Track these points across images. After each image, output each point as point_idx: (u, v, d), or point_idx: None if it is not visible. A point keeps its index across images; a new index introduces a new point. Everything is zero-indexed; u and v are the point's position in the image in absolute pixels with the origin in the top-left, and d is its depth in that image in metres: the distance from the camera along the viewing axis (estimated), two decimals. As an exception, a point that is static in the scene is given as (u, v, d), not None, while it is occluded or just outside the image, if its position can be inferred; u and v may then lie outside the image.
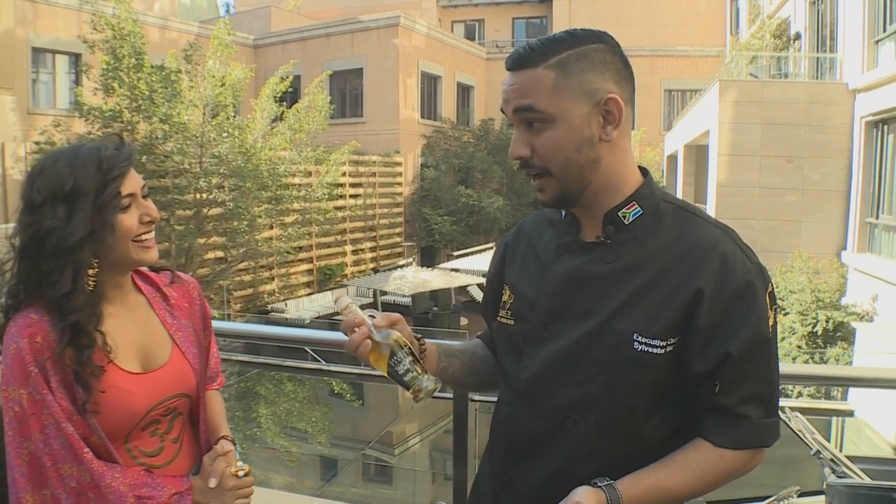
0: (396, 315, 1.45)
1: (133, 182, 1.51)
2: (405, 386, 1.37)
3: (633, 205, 1.37)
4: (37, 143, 17.20)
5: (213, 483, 1.54)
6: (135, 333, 1.56)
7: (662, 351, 1.28)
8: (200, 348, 1.71)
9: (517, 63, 1.34)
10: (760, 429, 1.30)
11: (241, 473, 1.57)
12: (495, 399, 1.56)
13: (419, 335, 1.52)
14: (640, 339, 1.29)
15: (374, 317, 1.41)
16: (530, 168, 1.37)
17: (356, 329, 1.38)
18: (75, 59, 20.28)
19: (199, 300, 1.76)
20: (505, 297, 1.52)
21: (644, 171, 1.42)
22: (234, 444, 1.68)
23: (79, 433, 1.39)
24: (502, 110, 1.39)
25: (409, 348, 1.39)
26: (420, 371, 1.38)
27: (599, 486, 1.25)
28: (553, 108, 1.31)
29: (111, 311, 1.52)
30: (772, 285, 1.34)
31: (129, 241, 1.48)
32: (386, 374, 1.38)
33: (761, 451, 1.33)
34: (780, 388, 1.36)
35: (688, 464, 1.29)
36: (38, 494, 1.37)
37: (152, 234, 1.54)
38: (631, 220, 1.36)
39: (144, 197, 1.53)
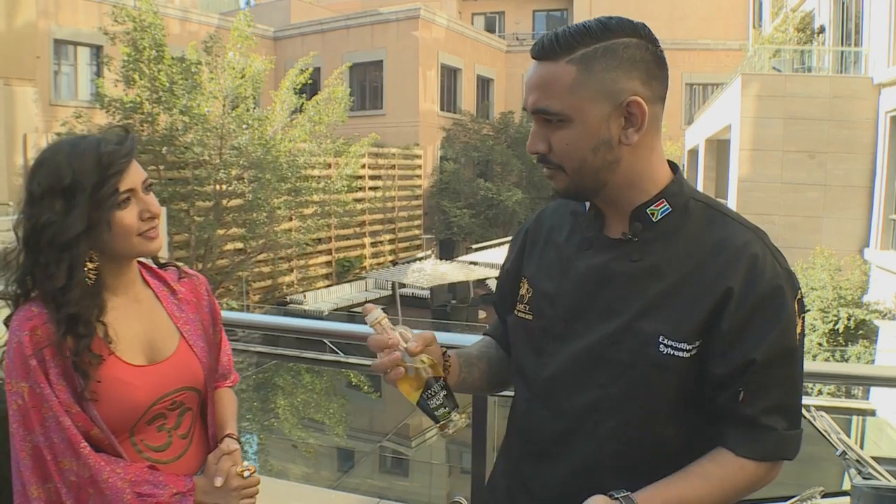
0: (430, 335, 1.34)
1: (133, 177, 1.48)
2: (434, 419, 1.28)
3: (662, 202, 1.32)
4: (58, 134, 17.26)
5: (218, 482, 1.51)
6: (140, 325, 1.55)
7: (688, 355, 1.24)
8: (209, 343, 1.69)
9: (540, 53, 1.27)
10: (784, 440, 1.25)
11: (246, 473, 1.55)
12: (513, 394, 1.52)
13: (445, 349, 1.42)
14: (665, 341, 1.24)
15: (404, 333, 1.31)
16: (547, 163, 1.32)
17: (386, 350, 1.29)
18: (96, 50, 20.42)
19: (208, 296, 1.75)
20: (523, 291, 1.47)
21: (674, 167, 1.37)
22: (240, 443, 1.65)
23: (79, 426, 1.38)
24: (524, 107, 1.33)
25: (444, 381, 1.30)
26: (453, 406, 1.29)
27: (617, 498, 1.20)
28: (569, 108, 1.25)
29: (116, 302, 1.51)
30: (801, 292, 1.29)
31: (132, 237, 1.47)
32: (415, 404, 1.28)
33: (780, 462, 1.29)
34: (803, 395, 1.31)
35: (708, 476, 1.24)
36: (44, 487, 1.38)
37: (156, 226, 1.52)
38: (659, 217, 1.31)
39: (147, 190, 1.51)
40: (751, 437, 1.24)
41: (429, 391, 1.27)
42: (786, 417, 1.25)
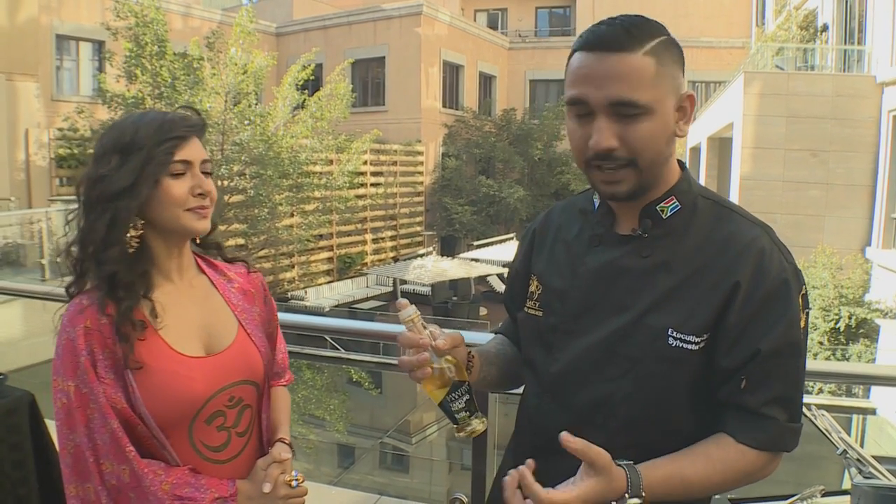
0: (459, 336, 1.35)
1: (193, 151, 1.47)
2: (453, 421, 1.31)
3: (672, 199, 1.33)
4: (60, 129, 17.38)
5: (267, 488, 1.46)
6: (195, 312, 1.51)
7: (697, 347, 1.25)
8: (269, 336, 1.66)
9: (610, 45, 1.22)
10: (784, 432, 1.26)
11: (294, 483, 1.50)
12: (515, 391, 1.53)
13: (470, 350, 1.44)
14: (674, 334, 1.25)
15: (434, 332, 1.32)
16: (612, 160, 1.25)
17: (415, 348, 1.30)
18: (98, 46, 20.43)
19: (263, 289, 1.72)
20: (532, 288, 1.48)
21: (681, 165, 1.38)
22: (292, 449, 1.59)
23: (123, 420, 1.35)
24: (571, 99, 1.26)
25: (468, 385, 1.32)
26: (473, 412, 1.31)
27: (620, 465, 1.20)
28: (653, 101, 1.23)
29: (169, 287, 1.49)
30: (805, 288, 1.30)
31: (179, 209, 1.45)
32: (437, 405, 1.30)
33: (780, 455, 1.29)
34: (804, 393, 1.32)
35: (710, 456, 1.25)
36: (82, 487, 1.35)
37: (207, 205, 1.49)
38: (669, 214, 1.33)
39: (207, 173, 1.50)
40: (752, 426, 1.25)
41: (453, 394, 1.30)
42: (787, 410, 1.26)
